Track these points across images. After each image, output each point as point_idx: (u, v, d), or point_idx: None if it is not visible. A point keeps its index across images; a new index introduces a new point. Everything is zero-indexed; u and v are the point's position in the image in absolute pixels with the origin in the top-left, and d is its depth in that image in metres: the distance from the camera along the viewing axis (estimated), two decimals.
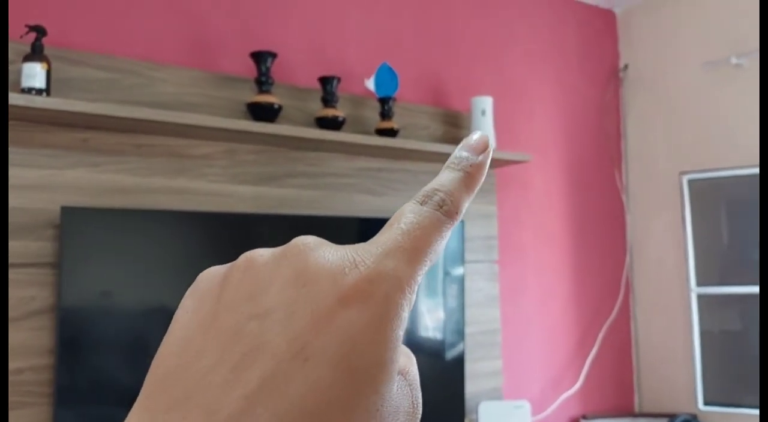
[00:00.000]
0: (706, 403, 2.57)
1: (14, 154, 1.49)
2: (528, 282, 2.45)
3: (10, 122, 1.48)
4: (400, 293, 0.21)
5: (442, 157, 2.09)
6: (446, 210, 0.23)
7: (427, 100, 2.24)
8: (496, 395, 2.26)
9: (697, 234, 2.66)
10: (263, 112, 1.75)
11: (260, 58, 1.76)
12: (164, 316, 1.55)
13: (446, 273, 2.04)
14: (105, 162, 1.59)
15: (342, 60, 2.06)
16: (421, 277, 0.22)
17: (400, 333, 0.21)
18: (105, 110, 1.45)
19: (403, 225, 0.23)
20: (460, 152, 0.25)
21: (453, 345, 2.03)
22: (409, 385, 0.22)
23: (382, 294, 0.20)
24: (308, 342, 0.19)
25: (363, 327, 0.20)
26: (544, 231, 2.51)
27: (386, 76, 1.99)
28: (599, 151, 2.74)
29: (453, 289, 2.05)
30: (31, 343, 1.48)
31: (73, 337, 1.44)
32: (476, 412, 2.11)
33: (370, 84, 1.99)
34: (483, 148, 0.25)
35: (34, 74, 1.41)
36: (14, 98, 1.36)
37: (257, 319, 0.20)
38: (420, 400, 0.23)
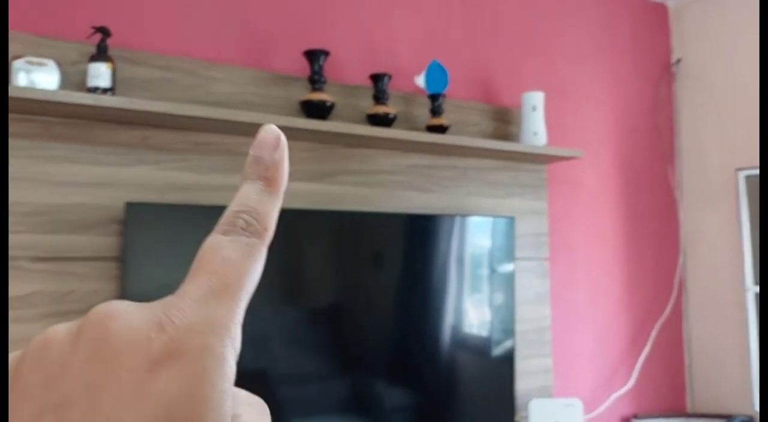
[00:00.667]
0: None
1: (80, 151, 1.54)
2: (579, 280, 2.42)
3: (76, 121, 1.54)
4: (218, 342, 0.19)
5: (492, 154, 2.08)
6: (253, 230, 0.22)
7: (477, 96, 2.23)
8: (545, 393, 2.24)
9: (752, 231, 2.58)
10: (316, 110, 1.78)
11: (313, 56, 1.78)
12: None
13: (496, 271, 2.03)
14: (165, 159, 1.64)
15: (392, 57, 2.07)
16: (240, 314, 0.20)
17: (226, 386, 0.19)
18: (167, 109, 1.49)
19: (209, 266, 0.21)
20: (252, 155, 0.23)
21: (503, 342, 2.02)
22: None
23: (197, 350, 0.18)
24: None
25: (179, 391, 0.18)
26: (596, 228, 2.48)
27: (436, 73, 1.99)
28: (652, 147, 2.69)
29: (503, 286, 2.04)
30: None
31: None
32: (527, 410, 2.10)
33: (421, 81, 2.00)
34: (275, 144, 0.23)
35: (99, 74, 1.46)
36: (81, 97, 1.40)
37: (54, 411, 0.18)
38: None
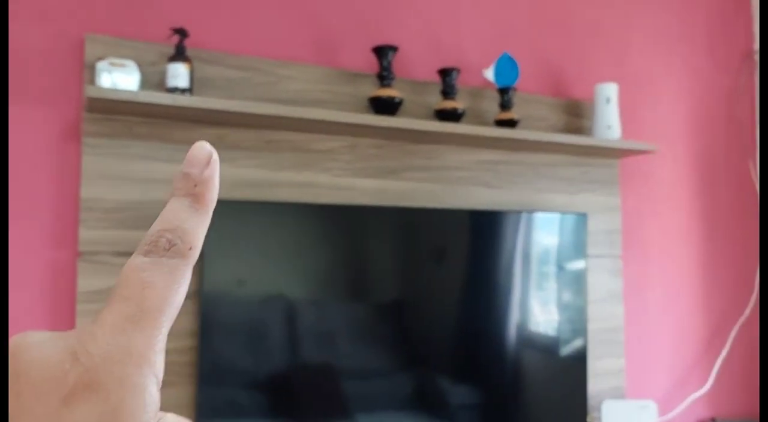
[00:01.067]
0: None
1: (159, 149, 1.59)
2: (653, 279, 2.34)
3: (155, 120, 1.59)
4: (137, 371, 0.18)
5: (562, 148, 2.03)
6: (176, 251, 0.21)
7: (547, 89, 2.18)
8: (617, 394, 2.18)
9: None
10: (385, 106, 1.78)
11: (381, 52, 1.78)
12: (293, 304, 1.61)
13: (566, 268, 1.99)
14: (240, 157, 1.67)
15: (460, 51, 2.05)
16: (162, 341, 0.20)
17: (146, 417, 0.18)
18: (242, 108, 1.52)
19: (126, 291, 0.20)
20: (182, 172, 0.23)
21: (574, 342, 1.98)
22: None
23: (115, 380, 0.18)
24: None
25: None
26: (671, 224, 2.39)
27: (506, 65, 1.96)
28: (731, 140, 2.57)
29: (573, 284, 1.99)
30: (177, 327, 1.58)
31: (212, 322, 1.53)
32: (599, 411, 2.05)
33: (489, 74, 1.97)
34: (206, 161, 0.23)
35: (178, 74, 1.50)
36: (162, 97, 1.45)
37: None
38: None
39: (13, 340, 0.19)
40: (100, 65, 1.49)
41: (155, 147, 1.59)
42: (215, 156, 0.23)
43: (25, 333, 0.19)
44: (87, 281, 1.52)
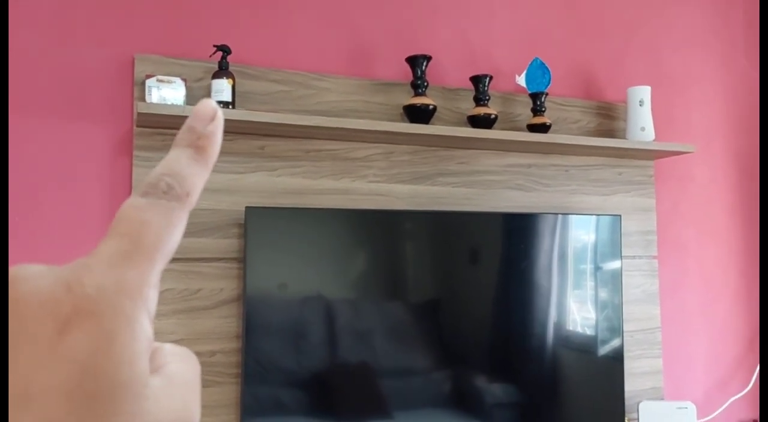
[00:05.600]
0: None
1: None
2: (690, 279, 2.33)
3: None
4: (129, 302, 0.19)
5: (595, 151, 2.06)
6: (174, 194, 0.22)
7: (580, 93, 2.21)
8: (655, 395, 2.19)
9: None
10: (418, 114, 1.83)
11: (415, 62, 1.84)
12: (332, 306, 1.67)
13: (601, 269, 2.00)
14: (281, 166, 1.75)
15: (492, 58, 2.09)
16: (155, 276, 0.21)
17: (140, 344, 0.19)
18: (282, 119, 1.59)
19: (123, 227, 0.21)
20: (187, 124, 0.24)
21: (610, 342, 1.99)
22: (172, 386, 0.20)
23: (108, 310, 0.19)
24: (30, 381, 0.18)
25: (91, 349, 0.18)
26: (709, 225, 2.38)
27: (538, 71, 1.99)
28: None
29: (609, 285, 2.01)
30: (221, 329, 1.66)
31: (256, 324, 1.60)
32: (637, 412, 2.06)
33: (521, 80, 2.00)
34: (211, 117, 0.24)
35: (221, 89, 1.58)
36: None
37: None
38: (192, 404, 0.21)
39: (11, 271, 0.20)
40: (149, 82, 1.59)
41: None
42: (220, 114, 0.24)
43: (20, 265, 0.20)
44: None
